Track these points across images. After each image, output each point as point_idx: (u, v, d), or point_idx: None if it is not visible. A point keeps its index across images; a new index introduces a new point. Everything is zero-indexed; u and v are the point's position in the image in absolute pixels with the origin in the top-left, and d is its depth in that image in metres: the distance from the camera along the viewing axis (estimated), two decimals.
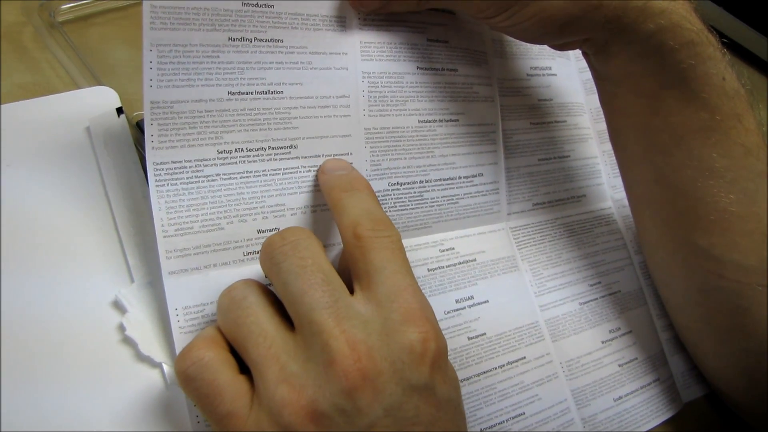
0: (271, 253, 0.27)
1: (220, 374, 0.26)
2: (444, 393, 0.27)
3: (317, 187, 0.34)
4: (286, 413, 0.24)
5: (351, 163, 0.35)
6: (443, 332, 0.36)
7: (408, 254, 0.36)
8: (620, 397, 0.41)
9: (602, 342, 0.42)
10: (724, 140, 0.35)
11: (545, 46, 0.46)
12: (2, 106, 0.36)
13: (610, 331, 0.43)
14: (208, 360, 0.26)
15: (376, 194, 0.36)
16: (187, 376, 0.26)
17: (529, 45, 0.46)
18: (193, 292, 0.30)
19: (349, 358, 0.24)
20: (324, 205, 0.34)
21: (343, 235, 0.29)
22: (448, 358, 0.35)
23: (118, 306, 0.33)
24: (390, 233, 0.29)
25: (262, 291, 0.28)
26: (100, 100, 0.38)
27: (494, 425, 0.36)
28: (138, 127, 0.37)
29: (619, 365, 0.42)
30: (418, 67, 0.38)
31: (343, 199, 0.30)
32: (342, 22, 0.35)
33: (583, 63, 0.45)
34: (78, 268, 0.33)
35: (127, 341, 0.32)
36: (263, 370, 0.25)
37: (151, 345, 0.32)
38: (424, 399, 0.26)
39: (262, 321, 0.27)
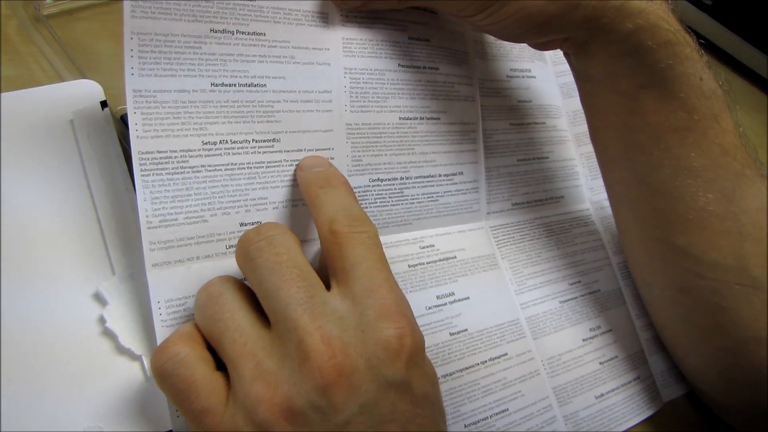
0: (246, 248, 0.27)
1: (195, 370, 0.26)
2: (421, 389, 0.27)
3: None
4: (261, 410, 0.24)
5: (331, 159, 0.35)
6: (424, 328, 0.36)
7: (388, 250, 0.37)
8: (602, 395, 0.42)
9: (583, 340, 0.42)
10: (702, 140, 0.36)
11: (525, 48, 0.46)
12: None
13: (590, 330, 0.43)
14: (184, 356, 0.26)
15: (357, 190, 0.36)
16: (163, 372, 0.26)
17: (509, 46, 0.46)
18: (176, 285, 0.30)
19: (323, 354, 0.24)
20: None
21: (320, 232, 0.29)
22: (430, 353, 0.36)
23: (99, 298, 0.33)
24: (366, 229, 0.29)
25: (239, 287, 0.28)
26: (84, 94, 0.38)
27: (478, 421, 0.36)
28: (122, 121, 0.37)
29: (600, 363, 0.42)
30: (399, 65, 0.38)
31: (320, 195, 0.30)
32: (324, 18, 0.35)
33: (561, 67, 0.46)
34: (59, 260, 0.33)
35: (107, 333, 0.32)
36: (239, 367, 0.25)
37: (131, 338, 0.32)
38: (401, 395, 0.26)
39: (238, 317, 0.27)
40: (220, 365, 0.27)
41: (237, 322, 0.26)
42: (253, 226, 0.32)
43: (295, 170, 0.34)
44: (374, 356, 0.25)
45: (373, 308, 0.26)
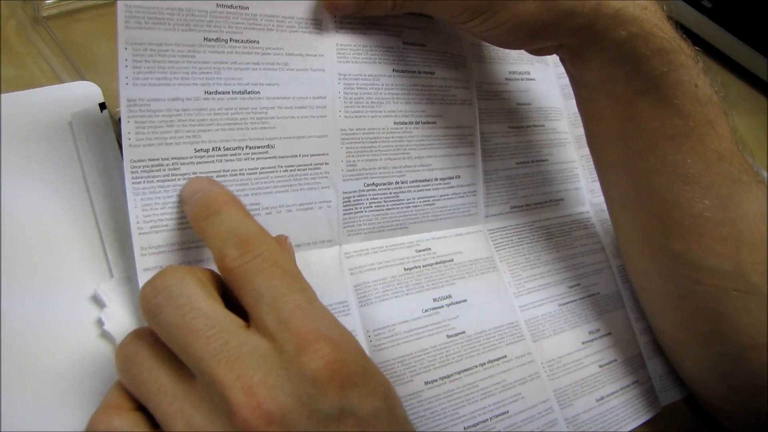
0: (146, 306, 0.25)
1: None
2: (367, 408, 0.25)
3: (294, 187, 0.34)
4: None
5: (326, 164, 0.35)
6: (420, 330, 0.36)
7: (384, 254, 0.37)
8: (602, 398, 0.41)
9: (582, 343, 0.42)
10: (698, 146, 0.36)
11: (524, 51, 0.46)
12: None
13: (590, 332, 0.43)
14: (114, 430, 0.25)
15: (352, 195, 0.36)
16: None
17: (507, 50, 0.46)
18: None
19: (247, 406, 0.23)
20: (300, 204, 0.34)
21: (218, 270, 0.27)
22: (426, 355, 0.36)
23: (97, 301, 0.33)
24: (259, 251, 0.26)
25: (155, 341, 0.26)
26: (82, 95, 0.38)
27: (477, 423, 0.36)
28: (120, 123, 0.37)
29: (600, 366, 0.42)
30: (394, 70, 0.38)
31: (206, 229, 0.28)
32: (318, 25, 0.35)
33: (562, 68, 0.45)
34: (57, 262, 0.33)
35: (106, 336, 0.32)
36: (170, 427, 0.24)
37: None
38: (344, 423, 0.24)
39: (158, 376, 0.25)
40: None
41: (159, 382, 0.25)
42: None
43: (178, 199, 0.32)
44: (304, 393, 0.24)
45: (291, 341, 0.24)
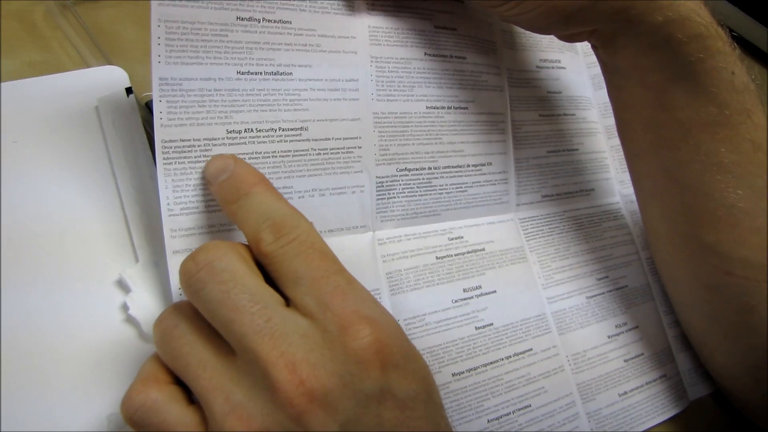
0: (187, 282, 0.25)
1: (167, 413, 0.24)
2: (406, 390, 0.25)
3: (327, 171, 0.34)
4: None
5: (359, 147, 0.35)
6: (449, 322, 0.36)
7: (416, 241, 0.37)
8: (625, 393, 0.41)
9: (608, 337, 0.42)
10: (733, 135, 0.35)
11: (555, 38, 0.45)
12: (12, 83, 0.35)
13: (616, 326, 0.42)
14: (152, 402, 0.24)
15: (385, 180, 0.36)
16: (136, 422, 0.25)
17: (538, 37, 0.46)
18: None
19: (290, 383, 0.23)
20: (333, 188, 0.34)
21: (254, 254, 0.27)
22: (455, 347, 0.36)
23: (122, 285, 0.33)
24: (295, 234, 0.26)
25: (194, 315, 0.26)
26: (109, 80, 0.38)
27: (501, 416, 0.36)
28: (147, 108, 0.37)
29: (625, 360, 0.42)
30: (426, 53, 0.38)
31: (237, 212, 0.27)
32: (350, 7, 0.35)
33: (592, 58, 0.45)
34: (82, 247, 0.33)
35: (131, 321, 0.32)
36: (209, 402, 0.24)
37: None
38: (383, 404, 0.24)
39: (198, 350, 0.25)
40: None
41: (198, 356, 0.25)
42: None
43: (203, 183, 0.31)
44: (347, 372, 0.24)
45: (333, 322, 0.24)
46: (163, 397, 0.25)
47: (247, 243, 0.27)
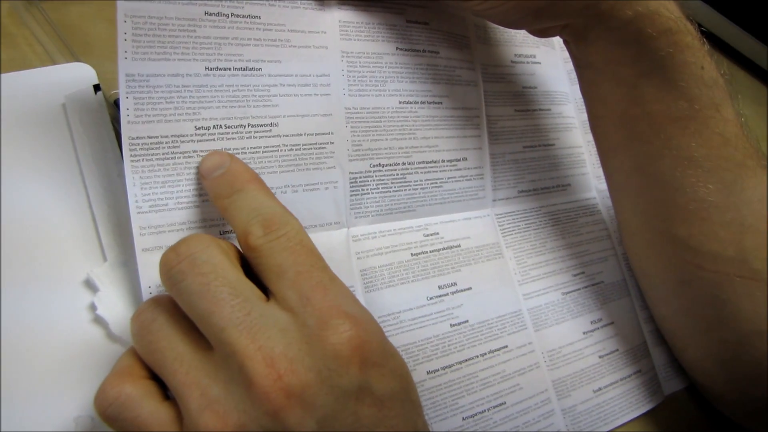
0: (168, 273, 0.25)
1: (141, 409, 0.24)
2: (384, 388, 0.25)
3: (299, 166, 0.33)
4: None
5: (331, 143, 0.35)
6: (424, 319, 0.36)
7: (391, 238, 0.36)
8: (600, 389, 0.41)
9: (583, 333, 0.42)
10: (703, 130, 0.35)
11: (528, 34, 0.45)
12: None
13: (591, 322, 0.43)
14: (126, 397, 0.24)
15: (358, 175, 0.35)
16: (109, 417, 0.24)
17: (512, 32, 0.46)
18: None
19: (267, 378, 0.23)
20: (306, 184, 0.34)
21: (240, 248, 0.27)
22: (429, 344, 0.36)
23: (90, 285, 0.32)
24: (284, 230, 0.26)
25: (173, 309, 0.26)
26: (76, 77, 0.37)
27: (476, 414, 0.36)
28: (115, 105, 0.37)
29: (600, 356, 0.42)
30: (397, 48, 0.38)
31: (228, 207, 0.28)
32: (320, 1, 0.35)
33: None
34: (49, 246, 0.32)
35: (99, 321, 0.31)
36: (185, 397, 0.24)
37: (123, 325, 0.31)
38: (361, 401, 0.24)
39: (175, 345, 0.25)
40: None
41: (175, 351, 0.24)
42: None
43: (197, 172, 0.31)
44: (325, 368, 0.24)
45: (313, 316, 0.24)
46: (137, 392, 0.24)
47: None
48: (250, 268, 0.27)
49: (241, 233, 0.26)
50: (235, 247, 0.27)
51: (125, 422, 0.24)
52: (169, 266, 0.25)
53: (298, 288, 0.25)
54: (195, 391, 0.23)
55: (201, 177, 0.30)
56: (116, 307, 0.31)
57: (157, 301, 0.26)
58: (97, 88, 0.36)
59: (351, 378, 0.24)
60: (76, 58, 0.38)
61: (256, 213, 0.27)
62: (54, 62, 0.38)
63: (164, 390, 0.25)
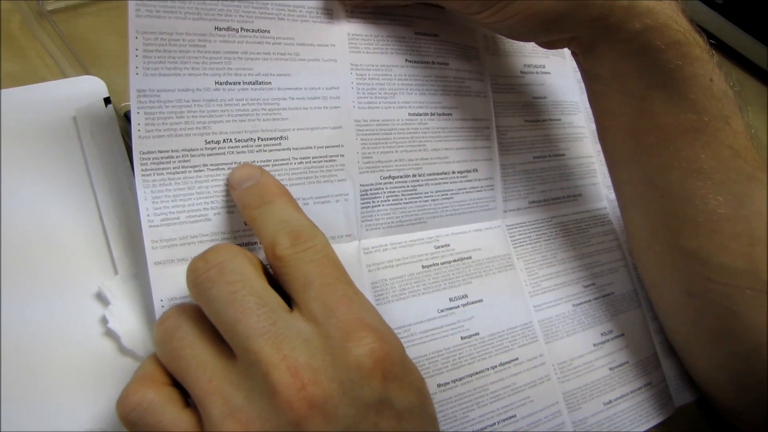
0: (195, 280, 0.25)
1: (163, 415, 0.24)
2: (403, 403, 0.25)
3: (309, 179, 0.33)
4: None
5: (342, 156, 0.35)
6: (435, 332, 0.36)
7: (402, 250, 0.36)
8: (610, 401, 0.41)
9: (594, 345, 0.42)
10: (712, 142, 0.35)
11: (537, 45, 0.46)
12: None
13: (602, 334, 0.42)
14: (149, 402, 0.24)
15: (368, 188, 0.35)
16: (130, 422, 0.24)
17: (521, 43, 0.46)
18: (179, 284, 0.29)
19: (291, 387, 0.23)
20: (317, 197, 0.34)
21: (266, 257, 0.27)
22: (440, 357, 0.35)
23: (101, 298, 0.32)
24: (311, 243, 0.27)
25: (198, 317, 0.26)
26: (87, 90, 0.37)
27: (485, 427, 0.36)
28: (125, 118, 0.37)
29: (610, 369, 0.42)
30: (406, 60, 0.38)
31: (257, 217, 0.28)
32: (329, 14, 0.35)
33: None
34: (60, 259, 0.32)
35: (110, 334, 0.31)
36: (207, 405, 0.24)
37: (135, 338, 0.31)
38: (381, 414, 0.24)
39: (199, 352, 0.25)
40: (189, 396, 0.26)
41: (198, 358, 0.25)
42: (249, 230, 0.31)
43: (226, 184, 0.32)
44: (347, 379, 0.24)
45: (337, 328, 0.25)
46: (159, 398, 0.25)
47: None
48: (272, 280, 0.27)
49: (268, 243, 0.27)
50: (259, 259, 0.28)
51: (146, 427, 0.24)
52: (197, 273, 0.25)
53: (323, 299, 0.25)
54: (218, 399, 0.24)
55: (230, 187, 0.31)
56: (128, 321, 0.31)
57: (182, 309, 0.27)
58: (107, 101, 0.37)
59: (372, 390, 0.24)
60: (86, 71, 0.39)
61: (285, 224, 0.27)
62: (65, 75, 0.38)
63: (185, 398, 0.26)
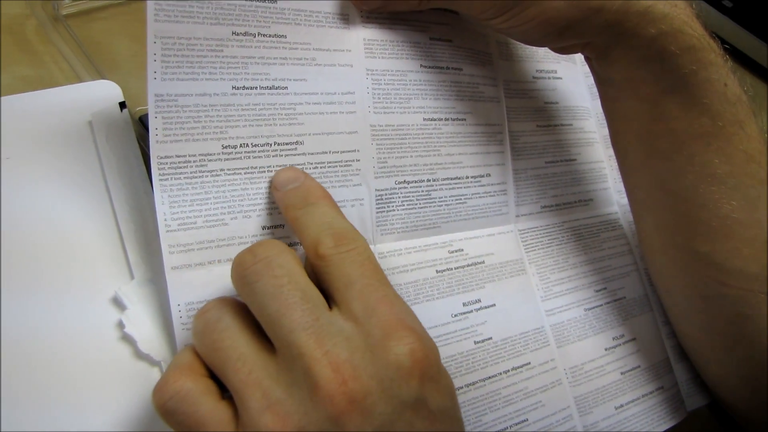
0: (242, 273, 0.26)
1: (200, 405, 0.24)
2: (438, 404, 0.26)
3: (325, 184, 0.34)
4: None
5: (357, 161, 0.35)
6: (449, 336, 0.36)
7: (417, 255, 0.37)
8: (621, 406, 0.41)
9: (605, 349, 0.42)
10: (726, 146, 0.35)
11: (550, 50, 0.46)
12: (4, 98, 0.35)
13: (613, 339, 0.42)
14: (186, 392, 0.25)
15: (383, 192, 0.36)
16: (167, 410, 0.25)
17: (534, 48, 0.46)
18: (196, 288, 0.30)
19: (333, 382, 0.23)
20: None
21: (308, 256, 0.28)
22: (453, 361, 0.35)
23: (118, 303, 0.32)
24: (354, 245, 0.27)
25: (238, 310, 0.27)
26: (102, 94, 0.37)
27: (498, 431, 0.36)
28: (141, 122, 0.37)
29: (622, 373, 0.42)
30: (421, 65, 0.38)
31: (300, 217, 0.29)
32: (345, 19, 0.35)
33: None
34: (77, 263, 0.33)
35: (126, 339, 0.31)
36: (245, 398, 0.24)
37: (151, 343, 0.31)
38: (417, 414, 0.25)
39: (239, 345, 0.25)
40: (225, 389, 0.26)
41: (239, 350, 0.25)
42: (276, 229, 0.32)
43: (269, 188, 0.32)
44: (387, 377, 0.24)
45: (378, 327, 0.25)
46: (197, 388, 0.25)
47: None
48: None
49: (311, 242, 0.27)
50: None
51: (183, 416, 0.24)
52: (244, 266, 0.26)
53: (365, 299, 0.26)
54: (256, 392, 0.24)
55: (273, 189, 0.31)
56: (144, 325, 0.31)
57: (223, 302, 0.27)
58: (122, 105, 0.37)
59: (410, 389, 0.24)
60: (101, 76, 0.39)
61: (328, 226, 0.28)
62: (80, 79, 0.39)
63: (221, 391, 0.26)
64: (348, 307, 0.26)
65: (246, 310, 0.27)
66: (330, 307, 0.26)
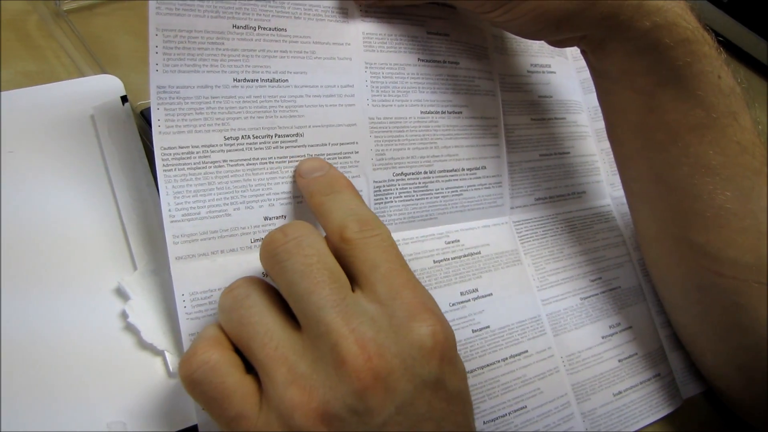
0: (273, 251, 0.26)
1: (227, 376, 0.25)
2: (454, 386, 0.26)
3: None
4: (297, 416, 0.24)
5: (356, 153, 0.35)
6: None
7: (414, 245, 0.37)
8: (619, 392, 0.41)
9: (602, 337, 0.42)
10: (720, 138, 0.36)
11: (544, 44, 0.46)
12: (6, 93, 0.35)
13: (610, 327, 0.43)
14: (215, 362, 0.25)
15: (381, 184, 0.36)
16: (194, 381, 0.25)
17: (528, 42, 0.46)
18: (201, 278, 0.30)
19: (359, 357, 0.24)
20: None
21: (331, 241, 0.28)
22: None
23: (121, 293, 0.32)
24: (378, 231, 0.28)
25: (265, 288, 0.27)
26: (104, 89, 0.37)
27: (497, 418, 0.36)
28: (143, 116, 0.37)
29: (619, 360, 0.42)
30: (419, 59, 0.38)
31: (325, 203, 0.30)
32: (344, 13, 0.36)
33: (581, 62, 0.46)
34: (80, 255, 0.33)
35: (130, 329, 0.32)
36: (271, 372, 0.25)
37: (154, 333, 0.32)
38: (435, 393, 0.26)
39: (267, 321, 0.26)
40: (248, 367, 0.26)
41: (266, 326, 0.26)
42: (279, 219, 0.32)
43: (294, 176, 0.33)
44: (409, 357, 0.25)
45: (402, 309, 0.26)
46: (225, 360, 0.25)
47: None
48: None
49: (336, 227, 0.28)
50: None
51: (209, 386, 0.25)
52: (275, 245, 0.26)
53: (389, 282, 0.27)
54: (282, 366, 0.25)
55: (297, 176, 0.32)
56: (147, 315, 0.32)
57: (250, 280, 0.28)
58: (124, 99, 0.37)
59: (431, 369, 0.25)
60: (103, 70, 0.39)
61: (353, 212, 0.29)
62: (82, 74, 0.39)
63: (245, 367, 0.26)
64: (372, 289, 0.26)
65: (272, 289, 0.27)
66: (353, 290, 0.27)
